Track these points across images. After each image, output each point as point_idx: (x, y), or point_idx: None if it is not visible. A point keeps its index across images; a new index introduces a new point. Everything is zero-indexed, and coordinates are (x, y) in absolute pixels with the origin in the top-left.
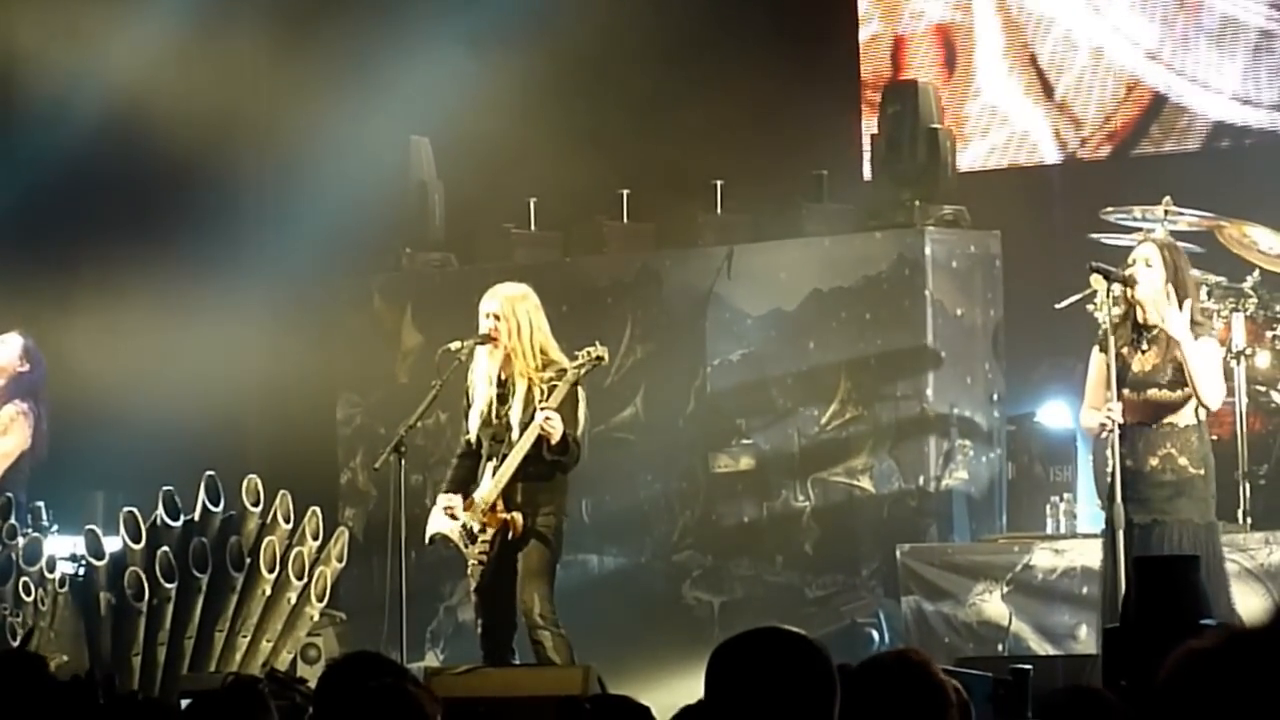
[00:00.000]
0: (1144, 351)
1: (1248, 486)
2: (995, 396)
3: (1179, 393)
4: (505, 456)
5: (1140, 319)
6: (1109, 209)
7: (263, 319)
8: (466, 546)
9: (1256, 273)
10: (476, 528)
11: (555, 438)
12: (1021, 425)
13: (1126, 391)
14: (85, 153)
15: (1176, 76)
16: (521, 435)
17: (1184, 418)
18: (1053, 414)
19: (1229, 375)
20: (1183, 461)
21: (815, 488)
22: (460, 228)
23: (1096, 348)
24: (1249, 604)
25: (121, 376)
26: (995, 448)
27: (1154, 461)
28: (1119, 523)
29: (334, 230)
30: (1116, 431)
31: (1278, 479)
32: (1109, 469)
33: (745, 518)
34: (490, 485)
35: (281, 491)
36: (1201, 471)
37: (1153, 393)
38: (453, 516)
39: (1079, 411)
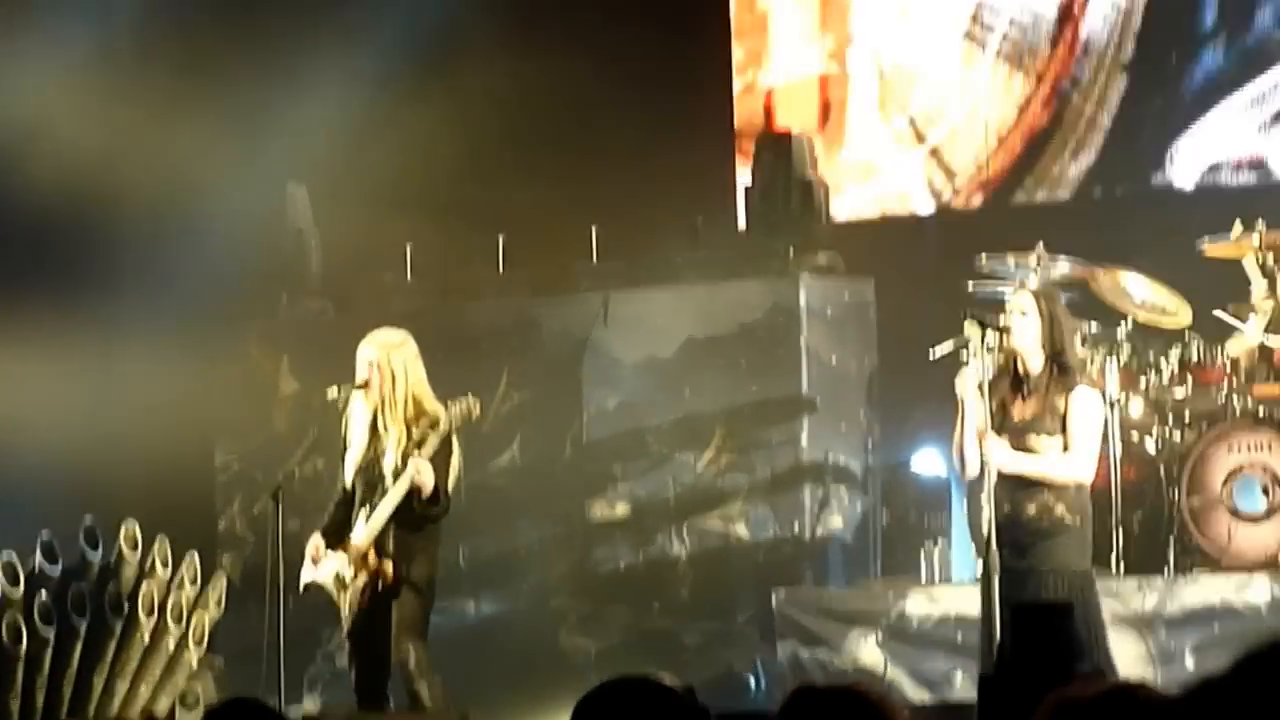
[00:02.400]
0: (1024, 399)
1: (1122, 533)
2: (870, 443)
3: (1058, 440)
4: (378, 504)
5: (1020, 368)
6: (983, 257)
7: (142, 365)
8: (339, 594)
9: (1129, 321)
10: (349, 575)
11: (426, 489)
12: (896, 472)
13: (1008, 439)
14: None
15: (1050, 126)
16: (395, 483)
17: None
18: (927, 461)
19: (1105, 423)
20: (1060, 510)
21: (691, 534)
22: (338, 275)
23: (975, 392)
24: (1123, 650)
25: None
26: (870, 494)
27: (1032, 509)
28: (994, 569)
29: (212, 277)
30: (993, 477)
31: (1151, 526)
32: (984, 516)
33: (622, 564)
34: (363, 533)
35: (160, 537)
36: (1078, 520)
37: (1031, 440)
38: (315, 560)
39: (953, 457)
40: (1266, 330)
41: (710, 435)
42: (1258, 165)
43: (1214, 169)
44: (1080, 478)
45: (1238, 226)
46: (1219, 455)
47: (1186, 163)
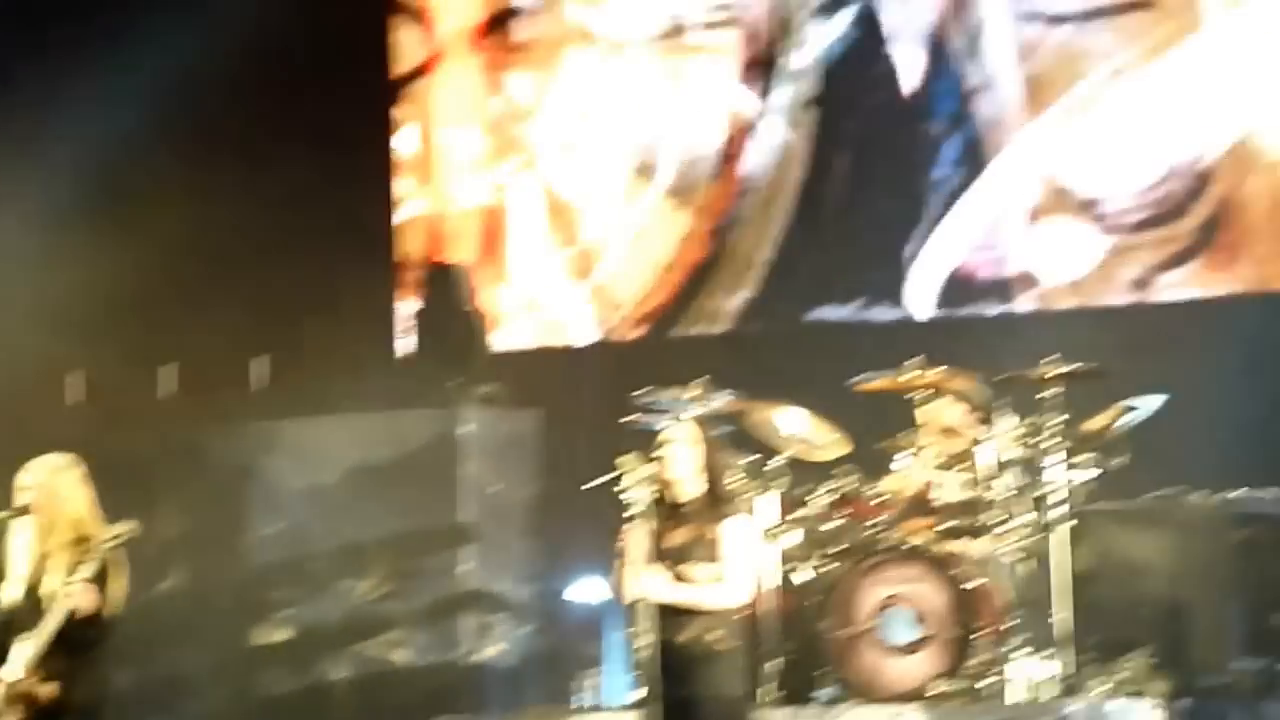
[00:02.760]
0: (680, 528)
1: (775, 663)
2: (530, 572)
3: (711, 569)
4: (38, 629)
5: (676, 498)
6: (644, 390)
7: None
8: None
9: (785, 454)
10: (6, 701)
11: (86, 613)
12: (554, 600)
13: (663, 567)
14: None
15: (710, 260)
16: (55, 608)
17: None
18: (586, 589)
19: (759, 555)
20: (716, 637)
21: (353, 660)
22: (3, 400)
23: (633, 522)
24: None
25: None
26: (530, 622)
27: (688, 637)
28: (652, 697)
29: None
30: (650, 606)
31: (804, 655)
32: (641, 644)
33: (284, 689)
34: (23, 658)
35: None
36: (734, 647)
37: (685, 567)
38: None
39: (613, 585)
40: (927, 466)
41: (372, 562)
42: (917, 301)
43: (869, 305)
44: (733, 604)
45: (910, 363)
46: (870, 587)
47: (844, 298)
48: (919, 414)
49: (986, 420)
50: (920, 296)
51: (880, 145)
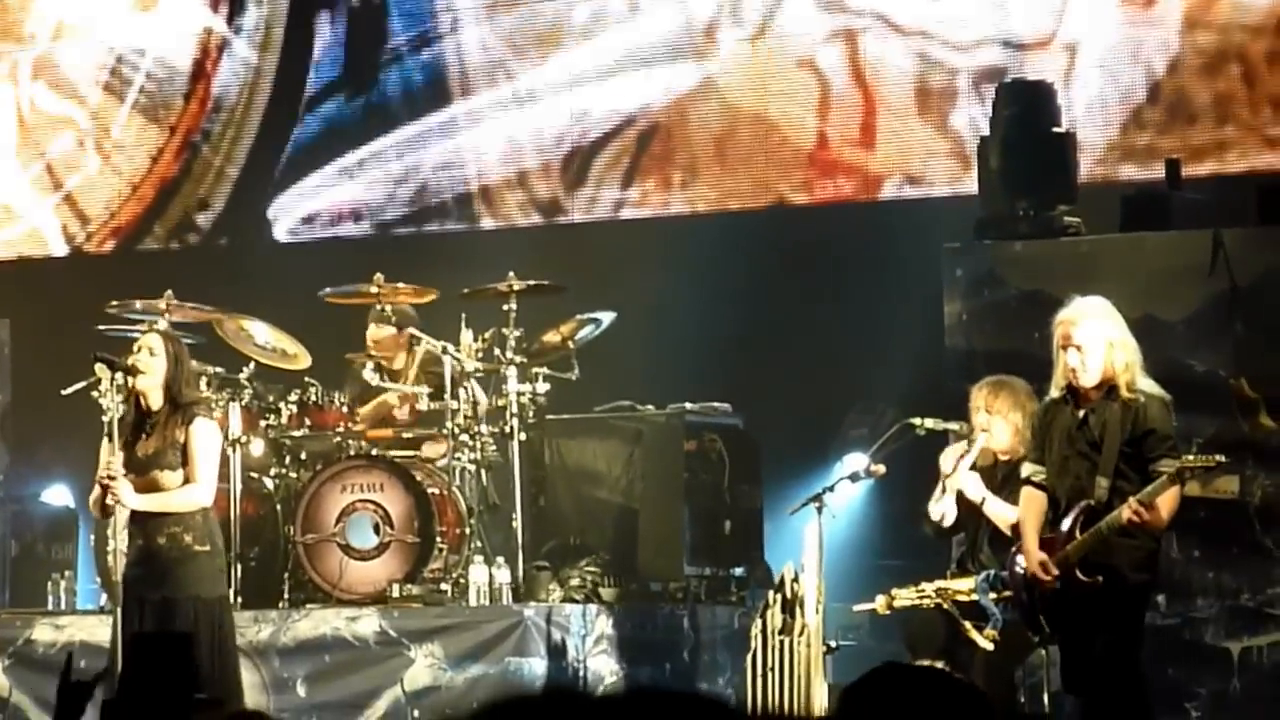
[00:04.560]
0: (148, 436)
1: (240, 568)
2: (1, 476)
3: (180, 473)
4: None
5: (144, 405)
6: (114, 302)
7: None
8: None
9: (252, 364)
10: None
11: None
12: (26, 504)
13: (133, 475)
14: None
15: (180, 175)
16: None
17: None
18: (56, 494)
19: (226, 461)
20: (188, 539)
21: None
22: None
23: (106, 430)
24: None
25: None
26: (1, 525)
27: (161, 540)
28: (117, 600)
29: None
30: (125, 512)
31: (267, 560)
32: (110, 548)
33: None
34: None
35: None
36: (207, 548)
37: (155, 474)
38: None
39: (80, 493)
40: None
41: None
42: (360, 217)
43: (336, 222)
44: (200, 503)
45: (378, 278)
46: (333, 494)
47: (296, 213)
48: (374, 329)
49: (419, 335)
50: (391, 211)
51: (352, 65)
